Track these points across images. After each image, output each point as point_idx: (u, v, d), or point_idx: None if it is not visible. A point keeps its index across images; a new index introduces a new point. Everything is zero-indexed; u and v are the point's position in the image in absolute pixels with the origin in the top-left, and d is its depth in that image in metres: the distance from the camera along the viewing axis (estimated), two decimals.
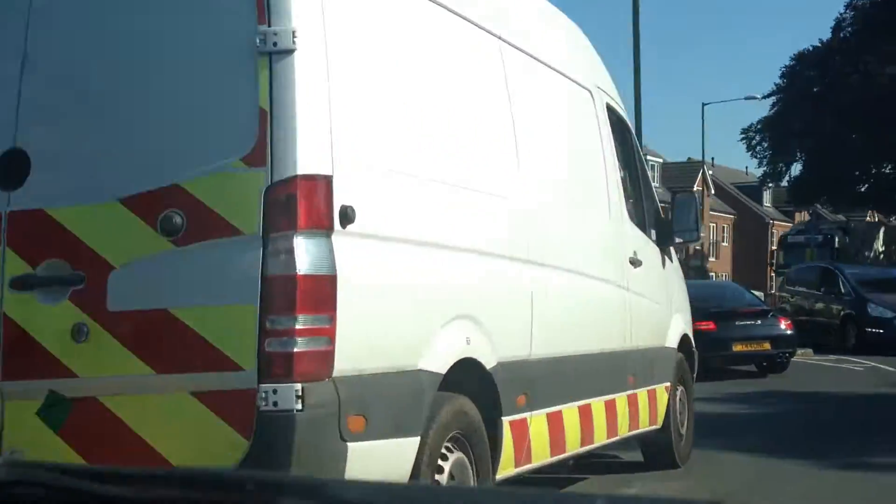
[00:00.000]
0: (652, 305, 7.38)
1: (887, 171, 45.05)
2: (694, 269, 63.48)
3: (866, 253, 49.27)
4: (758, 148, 48.33)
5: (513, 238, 5.15)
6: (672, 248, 8.23)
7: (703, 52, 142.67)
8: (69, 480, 1.80)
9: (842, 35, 43.18)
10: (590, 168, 6.49)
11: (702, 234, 8.04)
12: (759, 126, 47.46)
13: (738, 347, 16.92)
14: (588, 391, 5.93)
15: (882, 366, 19.62)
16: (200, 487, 1.81)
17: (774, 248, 52.19)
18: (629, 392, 6.75)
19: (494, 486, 4.82)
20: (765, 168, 49.16)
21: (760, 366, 17.88)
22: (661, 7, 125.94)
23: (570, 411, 5.69)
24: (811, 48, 43.93)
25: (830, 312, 23.54)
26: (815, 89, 43.85)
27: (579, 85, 6.54)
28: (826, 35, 43.58)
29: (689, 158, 68.08)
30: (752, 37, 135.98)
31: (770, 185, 54.66)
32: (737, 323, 17.13)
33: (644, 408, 7.06)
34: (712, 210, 67.35)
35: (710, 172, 69.33)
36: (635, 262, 6.92)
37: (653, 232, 7.66)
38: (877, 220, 60.91)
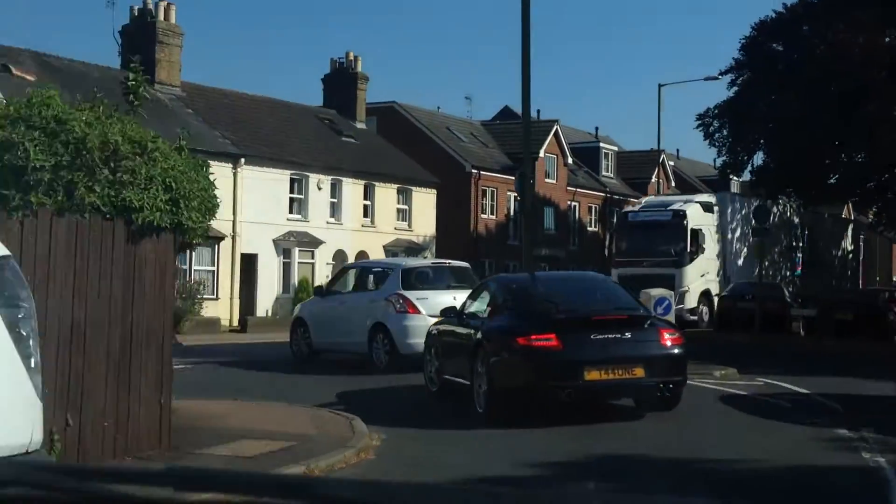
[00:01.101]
0: None
1: (860, 159, 39.08)
2: None
3: (834, 252, 43.69)
4: (716, 135, 42.34)
5: None
6: None
7: (666, 32, 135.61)
8: (61, 480, 1.90)
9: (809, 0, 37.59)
10: None
11: None
12: (716, 110, 41.50)
13: (592, 375, 11.16)
14: None
15: (825, 395, 13.90)
16: (194, 486, 1.85)
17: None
18: None
19: None
20: (724, 157, 43.12)
21: (639, 400, 12.16)
22: None
23: None
24: (774, 14, 38.20)
25: None
26: (778, 66, 38.15)
27: None
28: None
29: (652, 149, 62.45)
30: (718, 11, 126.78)
31: (731, 176, 48.78)
32: (593, 336, 11.35)
33: None
34: None
35: (672, 164, 63.86)
36: None
37: None
38: (853, 217, 55.45)
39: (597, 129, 63.84)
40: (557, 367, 11.13)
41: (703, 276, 34.22)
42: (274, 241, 38.22)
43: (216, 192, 9.18)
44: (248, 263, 37.47)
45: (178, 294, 33.29)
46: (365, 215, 42.46)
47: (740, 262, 37.80)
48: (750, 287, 31.83)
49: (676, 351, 11.67)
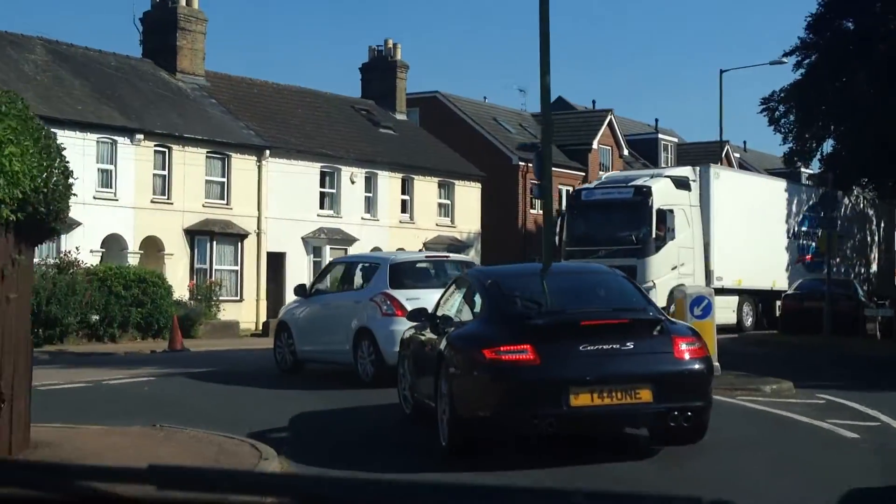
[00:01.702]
0: None
1: None
2: None
3: None
4: (782, 121, 38.99)
5: None
6: None
7: (728, 18, 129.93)
8: (46, 478, 1.89)
9: None
10: None
11: None
12: (781, 94, 38.20)
13: (581, 399, 8.34)
14: None
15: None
16: (178, 485, 1.86)
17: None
18: None
19: None
20: (790, 144, 39.72)
21: (653, 431, 9.32)
22: None
23: None
24: None
25: None
26: (849, 45, 34.93)
27: None
28: None
29: (715, 141, 59.15)
30: None
31: (799, 165, 45.32)
32: (582, 348, 8.52)
33: None
34: None
35: (738, 156, 60.44)
36: None
37: None
38: None
39: (657, 120, 60.68)
40: (534, 389, 8.34)
41: (674, 268, 27.48)
42: (303, 238, 35.78)
43: (33, 153, 6.52)
44: (276, 262, 35.08)
45: (193, 295, 30.99)
46: (403, 210, 39.84)
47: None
48: (818, 285, 28.63)
49: (697, 366, 8.78)
